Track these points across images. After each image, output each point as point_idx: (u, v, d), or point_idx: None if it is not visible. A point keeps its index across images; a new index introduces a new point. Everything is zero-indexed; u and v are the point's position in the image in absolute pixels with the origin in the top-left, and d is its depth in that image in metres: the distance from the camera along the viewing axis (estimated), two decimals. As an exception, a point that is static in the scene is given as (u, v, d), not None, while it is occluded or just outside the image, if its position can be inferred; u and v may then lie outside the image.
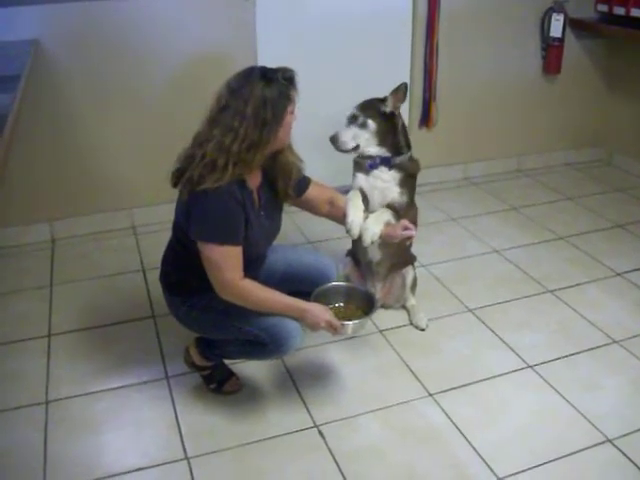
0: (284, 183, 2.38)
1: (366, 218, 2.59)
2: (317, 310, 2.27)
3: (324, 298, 2.41)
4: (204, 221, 2.16)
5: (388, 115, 2.79)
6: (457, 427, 2.40)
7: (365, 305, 2.44)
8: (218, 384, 2.57)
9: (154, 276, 3.08)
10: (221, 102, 2.15)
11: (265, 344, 2.27)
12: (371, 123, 2.77)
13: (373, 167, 2.80)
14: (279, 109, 2.13)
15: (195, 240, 2.19)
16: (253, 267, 2.35)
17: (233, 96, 2.13)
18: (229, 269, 2.18)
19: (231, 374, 2.60)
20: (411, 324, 2.98)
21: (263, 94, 2.09)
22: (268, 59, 3.70)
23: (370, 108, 2.80)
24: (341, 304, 2.47)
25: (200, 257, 2.21)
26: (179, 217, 2.30)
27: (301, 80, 2.22)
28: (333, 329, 2.28)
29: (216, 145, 2.10)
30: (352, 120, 2.79)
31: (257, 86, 2.10)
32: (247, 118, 2.09)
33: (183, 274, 2.38)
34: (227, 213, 2.16)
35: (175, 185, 2.27)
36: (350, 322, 2.33)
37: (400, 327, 2.98)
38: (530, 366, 2.72)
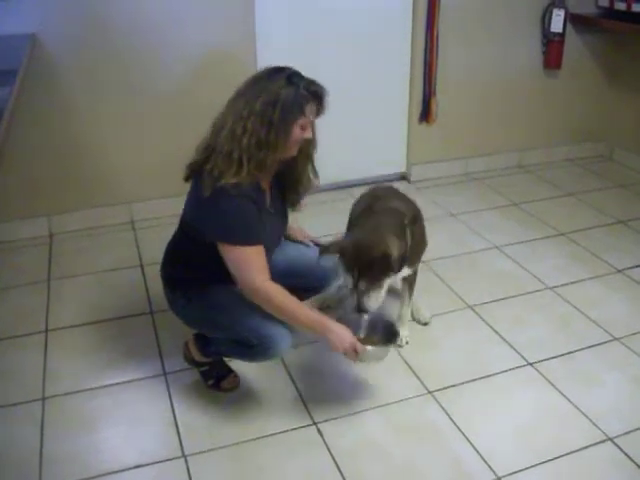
0: (292, 193, 2.40)
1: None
2: (342, 332, 2.22)
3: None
4: (226, 223, 2.15)
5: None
6: (456, 425, 2.39)
7: (387, 338, 2.43)
8: (216, 380, 2.55)
9: (152, 271, 3.07)
10: (241, 88, 2.14)
11: (252, 346, 2.25)
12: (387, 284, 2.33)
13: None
14: (288, 115, 2.08)
15: (215, 242, 2.18)
16: None
17: (251, 85, 2.12)
18: (254, 270, 2.16)
19: (229, 371, 2.58)
20: (413, 319, 2.96)
21: (277, 92, 2.06)
22: (267, 55, 3.71)
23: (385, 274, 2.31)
24: (361, 335, 2.41)
25: (207, 253, 2.20)
26: (191, 213, 2.28)
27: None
28: (355, 353, 2.22)
29: (229, 134, 2.09)
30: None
31: (275, 83, 2.08)
32: (254, 112, 2.07)
33: (189, 269, 2.37)
34: (247, 214, 2.15)
35: (187, 179, 2.26)
36: (371, 347, 2.31)
37: (399, 324, 2.97)
38: (530, 363, 2.71)
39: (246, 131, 2.07)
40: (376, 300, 2.28)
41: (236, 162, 2.08)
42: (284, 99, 2.07)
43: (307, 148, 2.32)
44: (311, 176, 2.39)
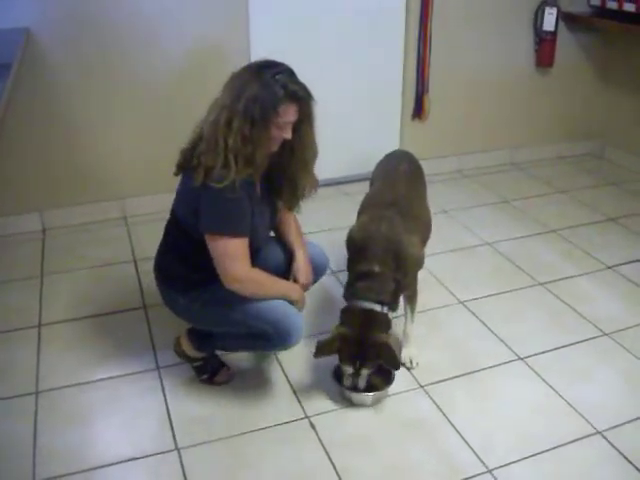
0: (290, 196, 2.40)
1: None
2: (297, 290, 2.40)
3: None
4: (216, 215, 2.16)
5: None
6: (448, 419, 2.41)
7: (385, 379, 2.49)
8: (210, 375, 2.56)
9: (145, 267, 3.07)
10: (235, 73, 2.15)
11: (269, 338, 2.27)
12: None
13: None
14: (265, 113, 2.07)
15: (204, 233, 2.18)
16: (253, 256, 2.33)
17: (242, 76, 2.11)
18: (240, 260, 2.19)
19: (222, 365, 2.59)
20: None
21: (258, 89, 2.05)
22: (261, 51, 3.70)
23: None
24: None
25: (206, 250, 2.21)
26: (185, 208, 2.27)
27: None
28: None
29: (212, 124, 2.09)
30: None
31: (259, 79, 2.07)
32: (238, 111, 2.06)
33: (187, 267, 2.36)
34: (238, 206, 2.16)
35: (178, 172, 2.26)
36: (372, 394, 2.44)
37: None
38: (521, 358, 2.73)
39: (232, 130, 2.06)
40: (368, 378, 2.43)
41: (222, 159, 2.07)
42: (262, 97, 2.06)
43: (301, 152, 2.28)
44: (311, 183, 2.38)
